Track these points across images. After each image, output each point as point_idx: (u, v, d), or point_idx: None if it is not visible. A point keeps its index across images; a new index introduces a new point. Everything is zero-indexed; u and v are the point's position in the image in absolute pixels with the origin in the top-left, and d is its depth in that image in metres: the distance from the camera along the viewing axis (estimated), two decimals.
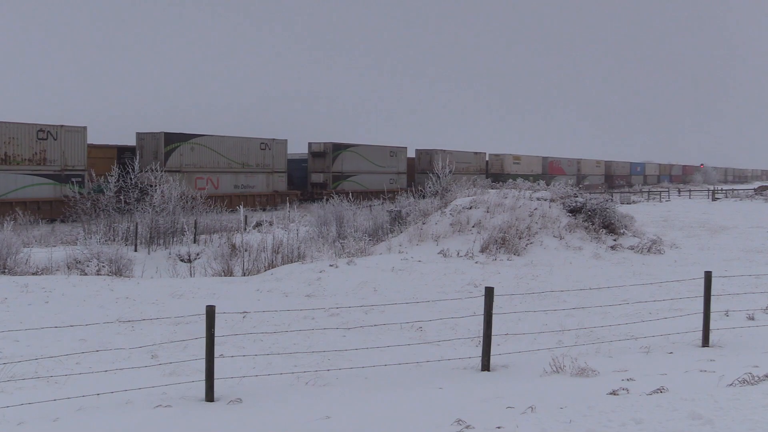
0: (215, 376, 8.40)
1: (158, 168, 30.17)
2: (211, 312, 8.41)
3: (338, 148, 55.71)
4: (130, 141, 42.55)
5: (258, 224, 32.50)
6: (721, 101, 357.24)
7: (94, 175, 33.89)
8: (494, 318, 9.91)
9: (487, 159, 75.24)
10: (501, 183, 38.65)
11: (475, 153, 72.11)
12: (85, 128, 36.89)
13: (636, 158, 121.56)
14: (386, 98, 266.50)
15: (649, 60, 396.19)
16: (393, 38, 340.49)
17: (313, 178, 55.19)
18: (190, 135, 43.50)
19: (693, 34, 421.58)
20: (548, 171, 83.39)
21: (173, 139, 42.28)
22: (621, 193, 73.39)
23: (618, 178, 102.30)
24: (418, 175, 64.14)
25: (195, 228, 26.49)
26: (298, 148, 59.56)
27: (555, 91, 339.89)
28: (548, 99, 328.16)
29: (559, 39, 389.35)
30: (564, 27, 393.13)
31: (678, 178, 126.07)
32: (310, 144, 55.53)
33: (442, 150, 65.49)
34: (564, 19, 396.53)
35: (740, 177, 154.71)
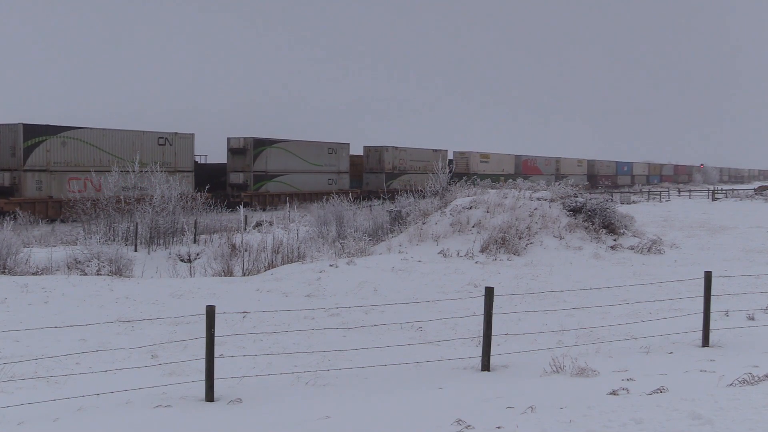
0: (215, 376, 8.40)
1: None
2: (211, 312, 8.41)
3: (261, 144, 49.36)
4: None
5: (258, 224, 32.54)
6: (718, 101, 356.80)
7: None
8: (494, 318, 9.91)
9: (450, 157, 69.15)
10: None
11: (434, 150, 66.37)
12: None
13: (630, 159, 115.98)
14: (346, 93, 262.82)
15: (645, 60, 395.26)
16: (349, 30, 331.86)
17: (231, 179, 48.75)
18: (60, 127, 37.51)
19: (687, 34, 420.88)
20: (522, 170, 78.16)
21: (37, 132, 36.31)
22: (621, 193, 73.23)
23: (602, 178, 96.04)
24: (367, 174, 60.43)
25: (195, 228, 26.51)
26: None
27: (548, 92, 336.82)
28: (540, 99, 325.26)
29: (547, 35, 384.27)
30: (551, 20, 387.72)
31: (669, 178, 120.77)
32: (228, 140, 49.41)
33: (393, 147, 61.56)
34: (551, 11, 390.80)
35: (737, 177, 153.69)
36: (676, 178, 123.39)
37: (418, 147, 65.63)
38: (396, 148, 62.09)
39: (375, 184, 58.93)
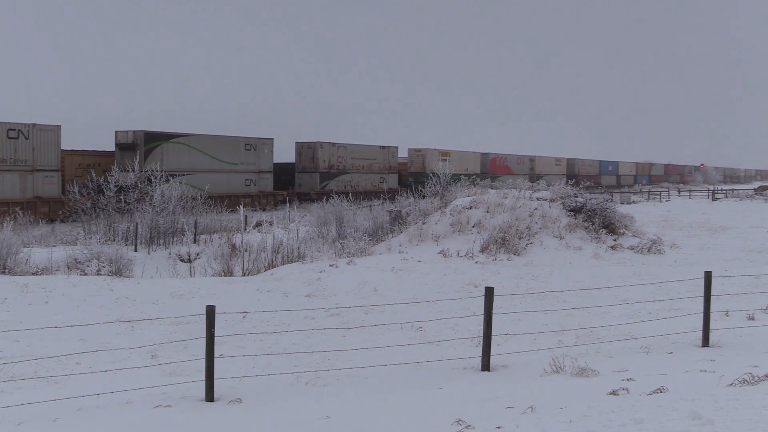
0: (215, 376, 8.40)
1: None
2: (211, 312, 8.41)
3: (155, 138, 42.15)
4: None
5: (258, 224, 32.56)
6: (716, 100, 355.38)
7: None
8: (494, 318, 9.91)
9: (406, 155, 62.59)
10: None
11: (382, 147, 59.03)
12: None
13: (623, 159, 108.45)
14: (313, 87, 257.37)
15: (643, 59, 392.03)
16: (306, 23, 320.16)
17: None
18: None
19: (684, 32, 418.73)
20: (489, 170, 70.72)
21: None
22: (621, 193, 73.08)
23: (583, 179, 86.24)
24: (299, 174, 53.36)
25: (195, 228, 26.51)
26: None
27: (546, 93, 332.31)
28: (535, 99, 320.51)
29: (526, 22, 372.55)
30: (530, 6, 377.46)
31: (660, 178, 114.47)
32: (116, 133, 42.12)
33: (329, 143, 53.99)
34: (542, 5, 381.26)
35: (733, 177, 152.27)
36: (666, 178, 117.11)
37: (363, 143, 58.64)
38: (333, 144, 54.43)
39: (308, 185, 52.21)
